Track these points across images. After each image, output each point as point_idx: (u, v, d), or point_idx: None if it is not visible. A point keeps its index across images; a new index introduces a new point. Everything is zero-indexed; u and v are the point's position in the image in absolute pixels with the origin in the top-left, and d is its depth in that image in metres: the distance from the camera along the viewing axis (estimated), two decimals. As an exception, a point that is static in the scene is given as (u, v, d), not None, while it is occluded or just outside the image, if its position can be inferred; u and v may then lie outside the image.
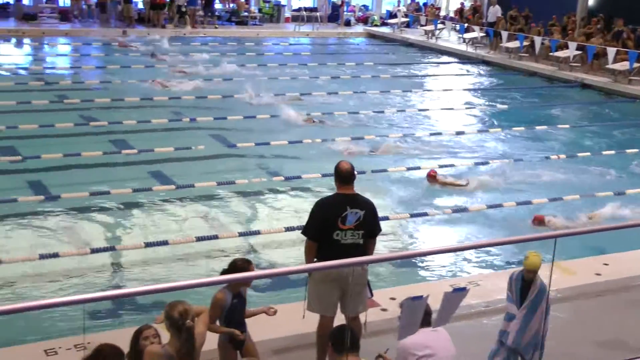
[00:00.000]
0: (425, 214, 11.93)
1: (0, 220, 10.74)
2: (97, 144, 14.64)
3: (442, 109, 20.56)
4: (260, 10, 37.88)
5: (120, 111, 17.44)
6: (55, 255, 9.39)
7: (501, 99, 22.56)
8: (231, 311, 6.16)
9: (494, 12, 31.87)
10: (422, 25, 36.02)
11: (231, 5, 36.88)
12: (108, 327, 7.73)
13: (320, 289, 6.63)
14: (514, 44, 28.68)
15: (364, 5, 42.34)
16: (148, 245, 9.90)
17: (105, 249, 9.84)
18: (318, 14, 37.66)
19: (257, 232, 10.62)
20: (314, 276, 6.65)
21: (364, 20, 40.22)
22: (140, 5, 34.27)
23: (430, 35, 34.66)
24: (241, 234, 10.49)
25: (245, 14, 36.13)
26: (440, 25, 34.87)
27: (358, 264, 6.35)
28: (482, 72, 27.89)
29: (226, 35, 33.13)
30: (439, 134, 17.34)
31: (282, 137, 15.63)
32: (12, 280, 8.95)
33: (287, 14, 38.50)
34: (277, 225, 10.83)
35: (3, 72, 21.53)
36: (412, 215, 11.84)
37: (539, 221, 11.52)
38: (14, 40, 28.40)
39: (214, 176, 12.92)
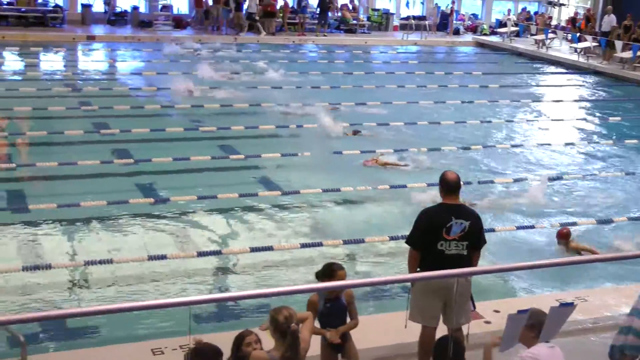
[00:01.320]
0: (532, 227, 11.63)
1: (112, 221, 11.05)
2: (206, 148, 14.95)
3: (551, 119, 20.05)
4: (369, 19, 37.95)
5: (229, 117, 17.74)
6: (163, 257, 9.62)
7: (613, 110, 21.78)
8: (325, 315, 6.23)
9: (609, 21, 30.85)
10: (532, 35, 35.24)
11: (339, 13, 37.10)
12: (212, 329, 7.85)
13: (422, 299, 6.56)
14: (628, 54, 27.66)
15: (473, 14, 41.76)
16: (253, 250, 10.02)
17: (211, 253, 10.00)
18: (427, 22, 37.37)
19: (361, 241, 10.57)
20: (417, 286, 6.60)
21: (473, 29, 39.68)
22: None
23: (540, 44, 33.86)
24: (346, 242, 10.46)
25: (354, 22, 36.22)
26: (551, 35, 33.99)
27: (462, 275, 6.29)
28: (593, 82, 27.02)
29: (334, 43, 33.38)
30: (548, 145, 16.90)
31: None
32: (121, 280, 9.21)
33: (396, 22, 38.39)
34: (382, 234, 10.76)
35: (119, 77, 22.28)
36: (518, 228, 11.55)
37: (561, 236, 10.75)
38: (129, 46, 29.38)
39: (319, 182, 12.96)
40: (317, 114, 17.25)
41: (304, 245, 10.26)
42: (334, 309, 6.25)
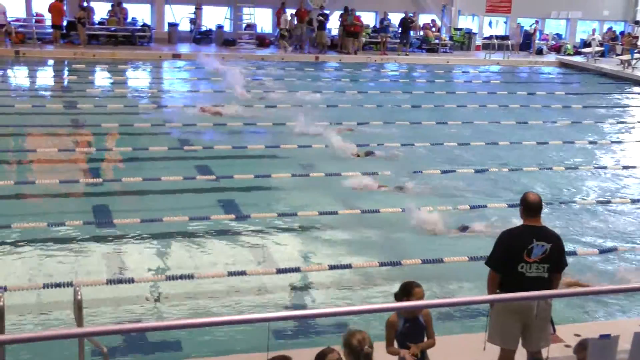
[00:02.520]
0: (615, 249, 11.30)
1: (193, 236, 11.22)
2: (286, 166, 15.06)
3: (636, 141, 19.51)
4: (451, 38, 37.71)
5: (309, 135, 17.80)
6: (242, 273, 9.70)
7: None
8: (403, 335, 6.23)
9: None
10: (617, 55, 34.40)
11: (421, 32, 37.00)
12: (290, 346, 7.85)
13: (502, 321, 6.51)
14: None
15: (557, 34, 41.03)
16: (332, 267, 10.01)
17: (290, 270, 10.03)
18: (509, 42, 36.91)
19: (440, 261, 10.44)
20: (496, 307, 6.55)
21: (557, 49, 38.97)
22: (334, 32, 35.09)
23: (626, 65, 32.98)
24: (425, 261, 10.33)
25: (436, 41, 36.04)
26: (637, 55, 33.11)
27: (542, 297, 6.28)
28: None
29: (416, 62, 33.33)
30: (633, 167, 16.43)
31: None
32: (202, 295, 9.31)
33: (478, 41, 38.04)
34: (462, 254, 10.60)
35: (203, 95, 22.66)
36: (602, 252, 11.22)
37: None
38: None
39: (400, 203, 12.90)
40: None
41: (382, 264, 10.20)
42: (413, 329, 6.25)
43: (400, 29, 35.14)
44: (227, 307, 9.02)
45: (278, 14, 34.13)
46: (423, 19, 37.68)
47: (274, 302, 9.22)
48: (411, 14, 35.11)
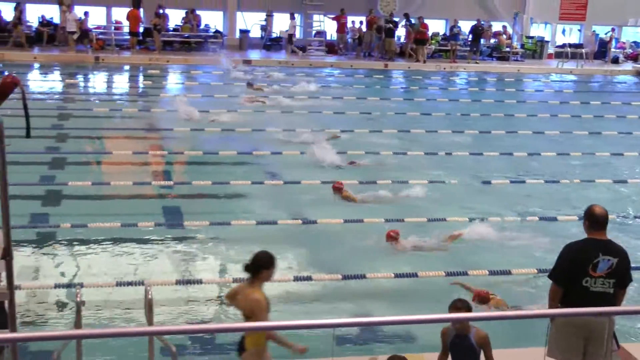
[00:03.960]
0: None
1: (260, 240, 11.27)
2: (353, 173, 15.09)
3: None
4: (522, 46, 37.21)
5: (379, 141, 17.82)
6: (308, 279, 9.81)
7: None
8: (453, 350, 6.41)
9: None
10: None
11: (492, 40, 36.60)
12: (354, 352, 7.91)
13: (563, 336, 6.40)
14: None
15: (634, 42, 40.08)
16: (398, 276, 10.03)
17: (355, 277, 10.07)
18: (583, 50, 36.23)
19: (507, 272, 10.35)
20: (558, 322, 6.43)
21: (634, 58, 38.04)
22: (403, 40, 35.03)
23: None
24: (492, 273, 10.26)
25: (507, 49, 35.64)
26: None
27: (607, 313, 6.17)
28: None
29: (486, 71, 33.04)
30: None
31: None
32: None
33: (551, 50, 37.44)
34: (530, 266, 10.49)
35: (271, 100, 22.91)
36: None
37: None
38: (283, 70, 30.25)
39: (466, 211, 12.83)
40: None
41: (449, 274, 10.16)
42: (461, 346, 6.35)
43: (470, 36, 34.85)
44: (292, 311, 9.10)
45: (337, 19, 34.29)
46: (493, 26, 37.25)
47: (339, 307, 9.27)
48: (483, 22, 34.76)
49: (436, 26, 36.31)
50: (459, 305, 6.32)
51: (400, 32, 34.66)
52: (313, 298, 9.59)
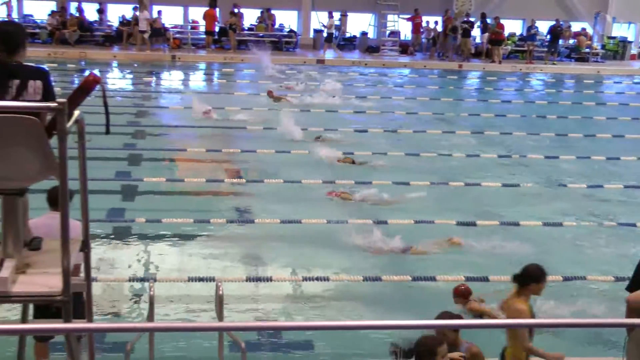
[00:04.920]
0: None
1: (331, 240, 11.30)
2: (426, 174, 15.02)
3: None
4: (603, 47, 36.25)
5: (450, 143, 17.73)
6: (377, 279, 9.79)
7: None
8: None
9: None
10: None
11: (571, 41, 35.79)
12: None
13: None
14: None
15: None
16: (469, 279, 9.91)
17: (425, 279, 10.01)
18: (669, 51, 35.12)
19: (582, 278, 10.12)
20: (636, 334, 6.22)
21: None
22: (478, 40, 34.63)
23: None
24: (566, 279, 10.04)
25: (587, 50, 34.83)
26: None
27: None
28: None
29: (564, 72, 32.38)
30: None
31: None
32: (337, 298, 9.44)
33: (634, 50, 36.37)
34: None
35: (344, 99, 22.92)
36: None
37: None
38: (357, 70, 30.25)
39: (541, 215, 12.61)
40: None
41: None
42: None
43: (548, 36, 34.16)
44: (362, 311, 9.07)
45: (412, 19, 34.06)
46: (573, 26, 36.43)
47: (408, 308, 9.21)
48: (562, 22, 34.01)
49: (513, 26, 35.72)
50: (445, 317, 6.24)
51: (476, 32, 34.26)
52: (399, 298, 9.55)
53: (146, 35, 30.45)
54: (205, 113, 19.15)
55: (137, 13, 30.55)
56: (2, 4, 30.87)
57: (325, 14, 34.01)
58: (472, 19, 33.76)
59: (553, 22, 33.49)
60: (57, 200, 6.74)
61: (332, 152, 15.75)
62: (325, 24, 32.83)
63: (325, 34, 32.88)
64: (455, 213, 12.66)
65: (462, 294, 9.03)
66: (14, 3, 32.05)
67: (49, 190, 6.78)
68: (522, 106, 23.42)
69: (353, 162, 15.31)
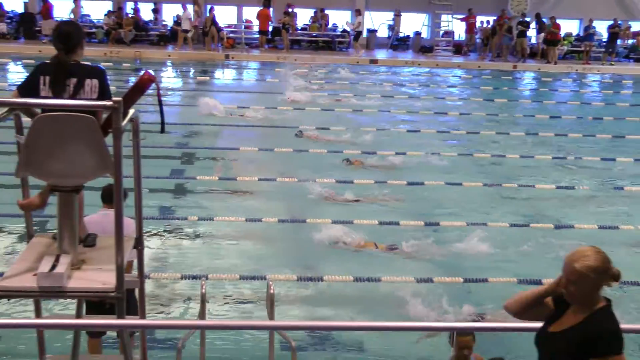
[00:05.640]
0: None
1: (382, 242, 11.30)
2: (479, 175, 14.89)
3: None
4: (665, 47, 35.40)
5: (504, 144, 17.55)
6: (429, 280, 9.71)
7: None
8: None
9: None
10: None
11: (630, 41, 35.06)
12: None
13: None
14: None
15: None
16: (521, 282, 9.79)
17: (476, 280, 9.90)
18: None
19: (637, 283, 9.90)
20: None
21: None
22: (534, 40, 34.15)
23: None
24: (623, 283, 9.85)
25: (646, 50, 34.08)
26: None
27: None
28: None
29: (622, 73, 31.74)
30: None
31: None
32: (395, 300, 9.39)
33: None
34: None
35: (398, 100, 22.82)
36: None
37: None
38: (410, 69, 30.10)
39: (596, 218, 12.38)
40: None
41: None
42: None
43: (606, 37, 33.50)
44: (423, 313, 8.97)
45: (466, 19, 33.74)
46: (632, 26, 35.68)
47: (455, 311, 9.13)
48: (621, 22, 33.31)
49: (569, 26, 35.14)
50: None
51: (532, 32, 33.78)
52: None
53: (189, 35, 30.74)
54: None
55: (180, 13, 30.93)
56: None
57: (379, 14, 34.01)
58: (527, 19, 33.31)
59: (611, 22, 32.85)
60: (110, 197, 6.86)
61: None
62: (350, 23, 32.72)
63: (352, 34, 32.77)
64: (508, 215, 12.53)
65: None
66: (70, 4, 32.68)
67: (104, 187, 6.88)
68: (577, 107, 23.04)
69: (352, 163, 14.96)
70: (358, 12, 32.35)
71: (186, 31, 30.80)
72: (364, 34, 34.50)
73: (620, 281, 4.23)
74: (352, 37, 32.97)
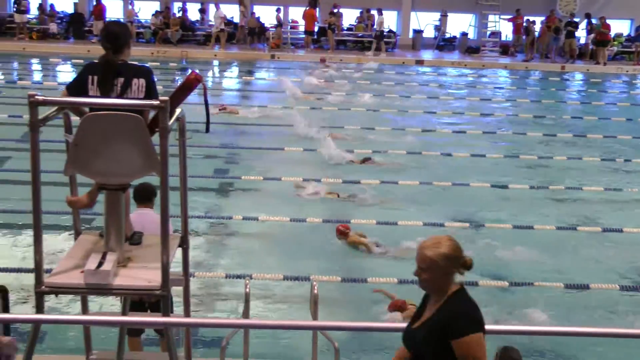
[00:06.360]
0: None
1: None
2: (525, 177, 14.72)
3: None
4: None
5: (551, 146, 17.34)
6: (474, 284, 9.61)
7: None
8: None
9: None
10: None
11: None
12: None
13: None
14: None
15: None
16: (569, 287, 9.64)
17: (522, 284, 9.79)
18: None
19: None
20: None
21: None
22: (583, 40, 33.61)
23: None
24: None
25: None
26: None
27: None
28: None
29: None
30: None
31: None
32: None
33: None
34: None
35: (445, 100, 22.67)
36: None
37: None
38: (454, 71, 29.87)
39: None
40: None
41: (623, 288, 9.62)
42: None
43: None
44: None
45: (513, 20, 33.27)
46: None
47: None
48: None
49: (620, 27, 34.53)
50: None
51: (581, 33, 33.26)
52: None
53: (222, 34, 30.94)
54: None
55: (214, 12, 31.17)
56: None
57: (426, 14, 33.84)
58: (576, 19, 32.81)
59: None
60: (145, 196, 7.00)
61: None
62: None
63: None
64: (555, 218, 12.36)
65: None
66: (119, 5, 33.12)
67: (135, 187, 6.94)
68: (627, 109, 22.61)
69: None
70: (380, 12, 32.03)
71: (220, 30, 31.02)
72: (410, 34, 34.34)
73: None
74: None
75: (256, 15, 32.01)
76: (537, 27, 33.23)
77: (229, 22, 32.74)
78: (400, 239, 11.08)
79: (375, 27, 32.42)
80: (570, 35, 32.09)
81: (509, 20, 33.61)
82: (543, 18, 33.02)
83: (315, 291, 6.34)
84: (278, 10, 32.23)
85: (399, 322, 8.09)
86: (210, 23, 33.74)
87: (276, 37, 32.21)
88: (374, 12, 33.87)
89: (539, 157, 16.09)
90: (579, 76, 30.56)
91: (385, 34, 32.29)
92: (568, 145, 17.42)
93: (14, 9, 31.46)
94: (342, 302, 9.36)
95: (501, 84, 27.08)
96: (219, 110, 18.85)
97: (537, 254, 10.98)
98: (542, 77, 29.07)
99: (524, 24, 32.89)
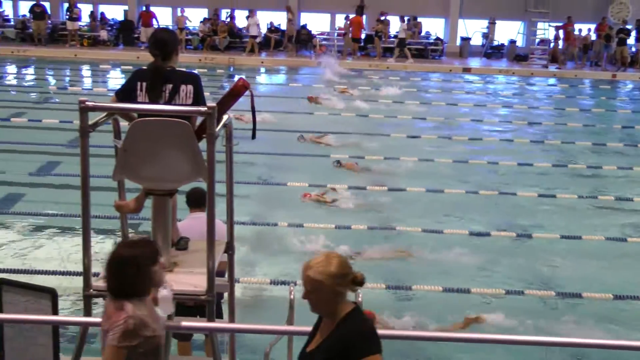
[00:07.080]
0: None
1: (473, 252, 11.07)
2: (574, 186, 14.51)
3: None
4: None
5: (601, 155, 17.07)
6: (520, 293, 9.51)
7: None
8: None
9: None
10: None
11: None
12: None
13: None
14: None
15: None
16: (617, 297, 9.47)
17: (570, 295, 9.63)
18: None
19: None
20: None
21: None
22: (634, 48, 33.02)
23: None
24: None
25: None
26: None
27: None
28: None
29: None
30: None
31: None
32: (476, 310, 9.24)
33: None
34: None
35: (490, 109, 22.47)
36: None
37: None
38: (502, 78, 29.61)
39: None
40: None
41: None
42: None
43: None
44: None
45: (564, 27, 32.74)
46: None
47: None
48: None
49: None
50: None
51: (633, 40, 32.69)
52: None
53: (257, 40, 31.06)
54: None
55: (249, 19, 31.33)
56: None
57: (473, 22, 33.60)
58: (628, 27, 32.25)
59: None
60: (196, 201, 6.98)
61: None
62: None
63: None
64: (604, 228, 12.15)
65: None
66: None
67: (188, 192, 6.98)
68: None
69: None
70: (402, 18, 31.75)
71: (254, 37, 31.16)
72: (457, 41, 34.10)
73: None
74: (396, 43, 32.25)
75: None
76: (584, 33, 32.78)
77: (275, 30, 32.86)
78: (445, 247, 11.00)
79: (397, 32, 32.04)
80: (622, 42, 31.56)
81: (559, 27, 33.05)
82: (594, 25, 32.52)
83: (360, 299, 6.30)
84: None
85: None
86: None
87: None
88: (421, 19, 33.75)
89: (588, 167, 15.86)
90: (630, 85, 30.02)
91: (406, 41, 31.91)
92: (618, 155, 17.15)
93: (67, 17, 32.07)
94: (385, 309, 9.30)
95: (550, 92, 26.73)
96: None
97: (585, 265, 10.81)
98: (592, 85, 28.64)
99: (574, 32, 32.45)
